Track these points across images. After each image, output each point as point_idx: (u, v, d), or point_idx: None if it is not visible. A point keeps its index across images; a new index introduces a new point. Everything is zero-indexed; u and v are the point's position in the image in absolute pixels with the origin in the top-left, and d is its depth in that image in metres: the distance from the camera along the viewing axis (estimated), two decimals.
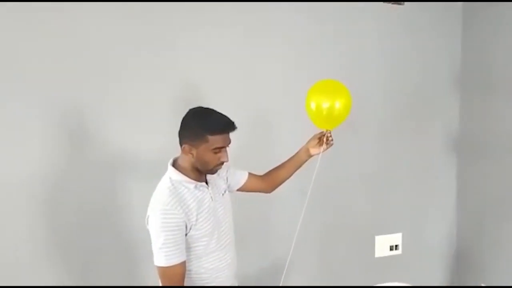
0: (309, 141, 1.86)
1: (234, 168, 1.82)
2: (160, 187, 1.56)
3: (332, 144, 1.84)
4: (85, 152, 2.27)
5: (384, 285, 1.78)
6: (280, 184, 1.93)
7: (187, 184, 1.55)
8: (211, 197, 1.61)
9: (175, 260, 1.47)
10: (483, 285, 3.01)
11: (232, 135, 1.58)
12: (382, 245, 3.01)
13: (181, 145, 1.57)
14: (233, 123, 1.54)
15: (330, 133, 1.83)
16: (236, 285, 1.77)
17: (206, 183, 1.63)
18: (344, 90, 1.86)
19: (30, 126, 2.15)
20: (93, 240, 2.30)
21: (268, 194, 1.99)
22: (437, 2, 2.99)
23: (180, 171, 1.57)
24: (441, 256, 3.23)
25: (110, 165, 2.32)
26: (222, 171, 1.73)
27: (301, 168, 1.95)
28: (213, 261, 1.60)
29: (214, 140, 1.51)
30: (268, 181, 1.90)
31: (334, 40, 2.73)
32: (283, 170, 1.90)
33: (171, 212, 1.47)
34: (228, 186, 1.77)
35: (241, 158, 1.76)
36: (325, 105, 1.80)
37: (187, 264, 1.53)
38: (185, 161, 1.57)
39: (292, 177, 1.97)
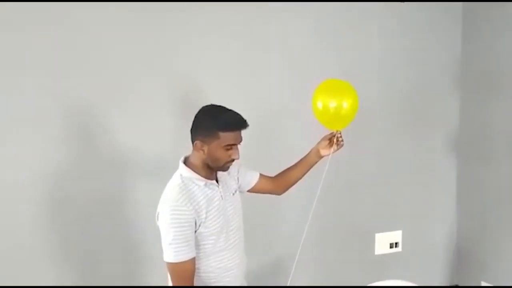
0: (319, 142, 1.85)
1: (246, 168, 1.83)
2: (170, 184, 1.58)
3: (342, 145, 1.83)
4: (91, 151, 2.29)
5: (382, 285, 1.80)
6: (291, 185, 1.93)
7: (198, 182, 1.56)
8: (221, 195, 1.62)
9: (184, 256, 1.48)
10: (486, 284, 3.04)
11: None
12: (382, 242, 3.03)
13: (192, 142, 1.58)
14: (245, 120, 1.55)
15: (340, 133, 1.82)
16: (246, 285, 1.77)
17: (217, 181, 1.64)
18: (350, 89, 1.85)
19: (35, 124, 2.17)
20: (97, 240, 2.32)
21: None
22: (437, 2, 3.00)
23: (191, 168, 1.58)
24: (441, 253, 3.25)
25: (116, 165, 2.33)
26: (233, 171, 1.74)
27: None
28: (222, 260, 1.60)
29: (226, 137, 1.52)
30: (279, 183, 1.90)
31: (334, 40, 2.74)
32: (294, 172, 1.89)
33: (181, 208, 1.48)
34: (239, 187, 1.77)
35: (245, 158, 1.78)
36: (332, 104, 1.79)
37: (195, 263, 1.54)
38: (196, 159, 1.58)
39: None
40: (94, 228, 2.31)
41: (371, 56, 2.85)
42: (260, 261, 2.59)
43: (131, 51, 2.31)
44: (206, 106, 1.60)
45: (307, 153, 1.90)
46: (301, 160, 1.90)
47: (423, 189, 3.13)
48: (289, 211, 2.65)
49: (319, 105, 1.82)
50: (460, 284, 3.24)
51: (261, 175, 1.86)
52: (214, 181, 1.62)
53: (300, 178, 1.91)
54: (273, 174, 1.94)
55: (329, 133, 1.86)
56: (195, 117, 1.60)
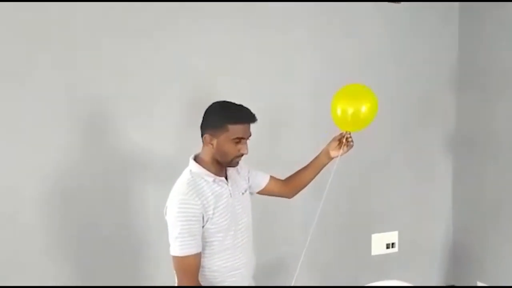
0: (329, 144, 1.84)
1: (257, 170, 1.83)
2: (180, 180, 1.58)
3: (352, 146, 1.83)
4: (97, 151, 2.29)
5: (379, 286, 1.79)
6: (302, 188, 1.92)
7: (207, 177, 1.56)
8: (230, 193, 1.61)
9: (190, 250, 1.48)
10: (481, 284, 3.04)
11: None
12: (378, 243, 3.03)
13: (202, 136, 1.59)
14: (253, 114, 1.56)
15: (349, 134, 1.81)
16: (253, 285, 1.75)
17: (226, 179, 1.64)
18: (373, 98, 1.85)
19: (41, 124, 2.16)
20: (101, 239, 2.31)
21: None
22: (434, 2, 3.01)
23: (200, 164, 1.59)
24: (437, 254, 3.25)
25: (122, 164, 2.33)
26: (244, 171, 1.75)
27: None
28: (228, 259, 1.59)
29: (234, 129, 1.53)
30: (289, 186, 1.89)
31: (330, 40, 2.75)
32: (304, 174, 1.88)
33: (189, 202, 1.49)
34: (249, 187, 1.77)
35: (253, 158, 1.78)
36: (354, 108, 1.80)
37: (202, 263, 1.54)
38: (206, 154, 1.59)
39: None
40: (99, 228, 2.30)
41: (367, 56, 2.85)
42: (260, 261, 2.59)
43: (139, 52, 2.31)
44: (216, 101, 1.62)
45: (317, 154, 1.89)
46: (311, 162, 1.89)
47: (419, 189, 3.13)
48: (290, 212, 2.64)
49: (341, 106, 1.82)
50: (456, 284, 3.24)
51: (271, 177, 1.86)
52: (223, 178, 1.62)
53: (311, 180, 1.90)
54: (280, 176, 1.93)
55: (338, 134, 1.85)
56: (205, 112, 1.61)
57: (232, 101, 1.63)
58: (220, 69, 2.47)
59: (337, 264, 2.90)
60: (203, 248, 1.54)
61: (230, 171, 1.67)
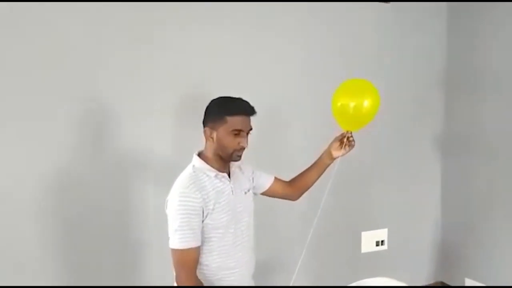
0: (331, 144, 1.84)
1: (261, 171, 1.83)
2: (182, 174, 1.58)
3: (353, 146, 1.84)
4: (94, 152, 2.27)
5: (373, 285, 1.80)
6: (307, 189, 1.92)
7: (208, 172, 1.57)
8: (232, 190, 1.61)
9: (189, 244, 1.47)
10: (469, 280, 3.08)
11: None
12: (368, 240, 3.06)
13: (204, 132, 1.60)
14: (252, 107, 1.57)
15: (351, 134, 1.82)
16: (253, 284, 1.75)
17: (229, 176, 1.64)
18: (376, 94, 1.83)
19: (39, 125, 2.14)
20: (99, 241, 2.30)
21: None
22: (422, 2, 3.04)
23: (203, 160, 1.59)
24: (426, 251, 3.29)
25: (120, 166, 2.32)
26: (248, 171, 1.75)
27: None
28: (227, 257, 1.58)
29: (233, 121, 1.53)
30: (293, 187, 1.89)
31: (320, 39, 2.77)
32: (308, 176, 1.88)
33: (189, 195, 1.49)
34: (253, 188, 1.77)
35: (254, 157, 1.78)
36: (355, 104, 1.78)
37: (200, 259, 1.53)
38: (208, 150, 1.60)
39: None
40: (97, 228, 2.29)
41: (356, 56, 2.87)
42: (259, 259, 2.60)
43: (137, 52, 2.30)
44: (216, 97, 1.63)
45: (319, 155, 1.89)
46: (314, 163, 1.89)
47: (409, 188, 3.16)
48: (287, 211, 2.65)
49: (341, 102, 1.81)
50: (445, 281, 3.28)
51: (276, 178, 1.86)
52: (226, 174, 1.61)
53: (314, 182, 1.90)
54: (281, 176, 1.92)
55: (339, 134, 1.85)
56: (206, 108, 1.62)
57: None
58: (218, 69, 2.47)
59: (327, 261, 2.92)
60: (202, 244, 1.53)
61: (234, 169, 1.67)
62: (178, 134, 2.41)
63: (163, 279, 2.25)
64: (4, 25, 2.05)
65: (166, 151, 2.38)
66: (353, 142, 1.83)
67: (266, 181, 1.83)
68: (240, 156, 1.60)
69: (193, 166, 1.59)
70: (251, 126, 1.60)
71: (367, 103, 1.80)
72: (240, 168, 1.72)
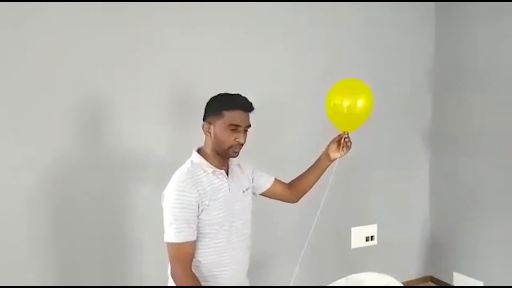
0: (328, 146, 1.84)
1: (262, 171, 1.82)
2: (180, 169, 1.58)
3: (350, 147, 1.83)
4: (90, 151, 2.26)
5: (369, 286, 1.81)
6: (306, 192, 1.91)
7: (206, 168, 1.56)
8: (229, 188, 1.60)
9: (184, 238, 1.47)
10: (457, 274, 3.12)
11: None
12: (358, 236, 3.08)
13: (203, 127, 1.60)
14: (250, 102, 1.56)
15: (347, 134, 1.82)
16: (247, 283, 1.74)
17: (228, 174, 1.63)
18: (368, 91, 1.82)
19: (35, 123, 2.13)
20: (92, 238, 2.29)
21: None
22: (411, 2, 3.07)
23: (202, 156, 1.59)
24: (415, 246, 3.32)
25: (115, 165, 2.31)
26: (247, 171, 1.74)
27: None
28: (221, 254, 1.57)
29: (230, 116, 1.52)
30: (292, 189, 1.88)
31: (310, 38, 2.78)
32: (307, 178, 1.88)
33: (185, 189, 1.48)
34: (253, 188, 1.76)
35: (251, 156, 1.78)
36: (347, 104, 1.76)
37: (195, 255, 1.52)
38: (207, 146, 1.60)
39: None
40: (90, 227, 2.28)
41: (346, 54, 2.89)
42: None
43: (131, 53, 2.30)
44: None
45: (317, 156, 1.88)
46: (312, 165, 1.88)
47: (397, 184, 3.19)
48: (284, 210, 2.64)
49: (334, 103, 1.80)
50: (434, 275, 3.32)
51: (276, 179, 1.85)
52: (223, 171, 1.60)
53: (313, 184, 1.90)
54: (277, 175, 1.91)
55: (336, 135, 1.84)
56: (206, 104, 1.61)
57: None
58: (214, 70, 2.47)
59: (318, 257, 2.93)
60: (197, 240, 1.53)
61: (233, 166, 1.66)
62: (175, 134, 2.41)
63: (157, 278, 2.24)
64: (4, 25, 2.04)
65: (159, 151, 2.38)
66: (349, 143, 1.82)
67: (266, 182, 1.81)
68: (236, 153, 1.59)
69: (192, 161, 1.58)
70: (249, 123, 1.58)
71: (360, 101, 1.79)
72: (240, 167, 1.71)
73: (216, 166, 1.58)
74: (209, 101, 1.61)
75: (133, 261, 2.39)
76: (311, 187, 1.90)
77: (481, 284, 2.94)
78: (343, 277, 1.88)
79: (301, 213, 2.47)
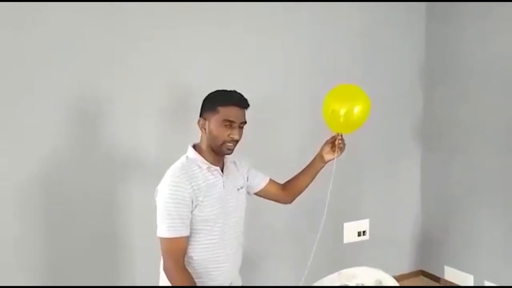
0: (322, 148, 1.83)
1: (257, 171, 1.81)
2: (174, 164, 1.57)
3: (343, 149, 1.83)
4: (82, 151, 2.25)
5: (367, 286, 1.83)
6: (300, 193, 1.91)
7: (201, 164, 1.55)
8: (223, 185, 1.59)
9: (177, 233, 1.46)
10: (448, 268, 3.15)
11: None
12: (350, 231, 3.10)
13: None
14: (245, 99, 1.56)
15: (341, 136, 1.81)
16: (240, 281, 1.74)
17: (222, 170, 1.62)
18: (366, 99, 1.83)
19: (29, 123, 2.11)
20: (84, 238, 2.28)
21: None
22: (401, 2, 3.10)
23: (197, 151, 1.58)
24: (406, 240, 3.35)
25: (110, 164, 2.30)
26: (243, 169, 1.73)
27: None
28: (214, 251, 1.57)
29: (224, 111, 1.52)
30: (286, 190, 1.88)
31: (300, 38, 2.79)
32: (301, 180, 1.88)
33: (179, 184, 1.47)
34: (248, 186, 1.76)
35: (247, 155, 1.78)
36: (345, 111, 1.77)
37: (188, 251, 1.52)
38: (202, 142, 1.59)
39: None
40: (82, 227, 2.27)
41: (338, 52, 2.90)
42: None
43: (124, 54, 2.29)
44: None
45: (311, 159, 1.88)
46: (306, 167, 1.88)
47: (389, 179, 3.22)
48: (273, 207, 2.66)
49: (332, 109, 1.80)
50: (425, 269, 3.36)
51: (271, 180, 1.84)
52: (218, 168, 1.60)
53: (307, 185, 1.90)
54: (271, 175, 1.91)
55: (330, 137, 1.84)
56: (202, 100, 1.61)
57: None
58: (213, 70, 2.47)
59: (310, 252, 2.94)
60: (190, 236, 1.52)
61: (228, 164, 1.66)
62: (173, 134, 2.40)
63: (150, 278, 2.25)
64: (4, 25, 2.03)
65: (151, 151, 2.37)
66: (342, 145, 1.82)
67: (261, 182, 1.81)
68: (230, 150, 1.57)
69: (187, 157, 1.58)
70: (244, 119, 1.58)
71: (358, 110, 1.79)
72: (236, 164, 1.71)
73: (211, 163, 1.57)
74: (206, 97, 1.60)
75: (126, 261, 2.39)
76: (305, 188, 1.90)
77: (472, 277, 2.98)
78: (335, 271, 1.89)
79: (291, 212, 2.49)
